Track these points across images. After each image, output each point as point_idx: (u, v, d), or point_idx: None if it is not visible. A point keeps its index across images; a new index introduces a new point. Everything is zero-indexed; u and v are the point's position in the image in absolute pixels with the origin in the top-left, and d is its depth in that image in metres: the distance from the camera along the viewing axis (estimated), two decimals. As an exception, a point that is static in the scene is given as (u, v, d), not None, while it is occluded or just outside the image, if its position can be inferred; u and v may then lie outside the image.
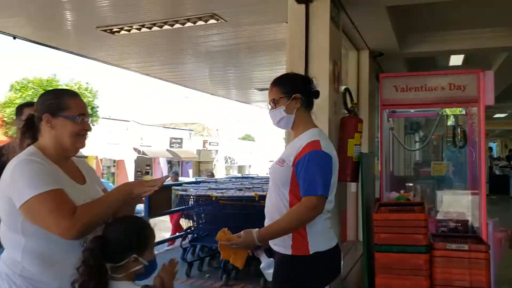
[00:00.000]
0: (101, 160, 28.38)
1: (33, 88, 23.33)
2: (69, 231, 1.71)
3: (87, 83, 23.63)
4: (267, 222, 2.32)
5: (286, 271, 2.25)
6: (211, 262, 6.18)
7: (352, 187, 5.02)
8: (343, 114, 3.58)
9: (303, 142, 2.27)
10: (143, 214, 8.88)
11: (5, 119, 18.81)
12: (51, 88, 1.99)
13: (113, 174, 29.93)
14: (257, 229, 2.20)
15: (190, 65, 8.42)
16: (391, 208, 3.53)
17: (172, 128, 36.40)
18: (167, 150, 32.89)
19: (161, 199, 8.03)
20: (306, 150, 2.22)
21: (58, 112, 1.88)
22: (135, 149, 30.21)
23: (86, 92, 22.92)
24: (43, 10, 5.16)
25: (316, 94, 2.48)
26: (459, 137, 4.87)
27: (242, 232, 2.21)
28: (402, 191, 4.41)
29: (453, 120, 5.32)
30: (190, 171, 35.77)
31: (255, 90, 10.52)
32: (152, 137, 32.20)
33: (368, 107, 5.29)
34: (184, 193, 6.62)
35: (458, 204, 4.27)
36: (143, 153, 30.36)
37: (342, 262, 2.39)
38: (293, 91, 2.36)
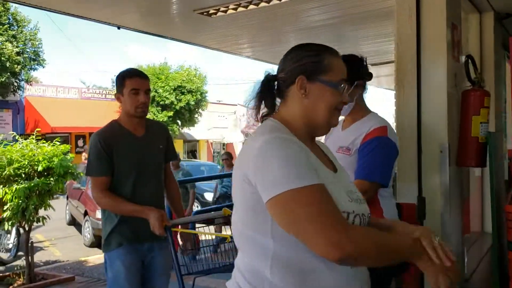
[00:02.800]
0: (211, 143, 29.42)
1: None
2: (336, 249, 1.17)
3: (195, 69, 24.42)
4: None
5: None
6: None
7: (476, 171, 4.39)
8: (465, 87, 3.04)
9: (372, 125, 2.21)
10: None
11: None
12: (308, 43, 1.51)
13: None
14: None
15: (292, 43, 8.09)
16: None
17: (278, 110, 36.57)
18: (274, 132, 33.13)
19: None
20: (374, 134, 2.17)
21: (316, 75, 1.40)
22: (243, 132, 30.85)
23: (195, 78, 23.71)
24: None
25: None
26: None
27: None
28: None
29: None
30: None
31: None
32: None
33: (494, 79, 4.57)
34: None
35: None
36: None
37: None
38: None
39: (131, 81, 2.68)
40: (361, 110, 2.32)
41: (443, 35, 2.79)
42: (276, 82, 1.46)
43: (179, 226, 2.83)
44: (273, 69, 1.53)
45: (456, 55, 2.97)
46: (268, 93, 1.45)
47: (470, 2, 4.19)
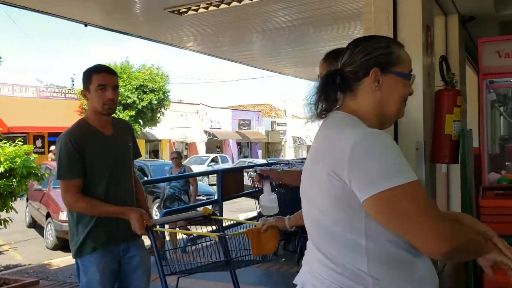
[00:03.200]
0: (173, 143, 29.12)
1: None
2: (446, 243, 1.19)
3: (157, 68, 24.12)
4: None
5: None
6: (287, 246, 5.93)
7: (443, 168, 4.54)
8: (437, 86, 3.15)
9: None
10: (215, 197, 8.77)
11: (84, 106, 19.63)
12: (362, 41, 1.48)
13: (185, 156, 30.62)
14: (288, 216, 2.22)
15: (257, 43, 8.17)
16: (497, 192, 3.08)
17: (241, 110, 36.62)
18: (236, 132, 33.16)
19: (233, 181, 7.93)
20: None
21: (389, 67, 1.39)
22: (205, 132, 30.71)
23: (157, 77, 23.42)
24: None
25: None
26: None
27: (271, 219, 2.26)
28: (503, 172, 3.89)
29: None
30: (259, 152, 35.94)
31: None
32: (222, 119, 32.56)
33: (459, 79, 4.75)
34: (254, 174, 6.44)
35: None
36: (213, 136, 30.80)
37: None
38: None
39: (98, 76, 2.57)
40: None
41: (419, 36, 2.88)
42: (339, 76, 1.43)
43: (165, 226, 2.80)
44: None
45: (430, 56, 3.08)
46: (332, 87, 1.42)
47: (437, 4, 4.33)
